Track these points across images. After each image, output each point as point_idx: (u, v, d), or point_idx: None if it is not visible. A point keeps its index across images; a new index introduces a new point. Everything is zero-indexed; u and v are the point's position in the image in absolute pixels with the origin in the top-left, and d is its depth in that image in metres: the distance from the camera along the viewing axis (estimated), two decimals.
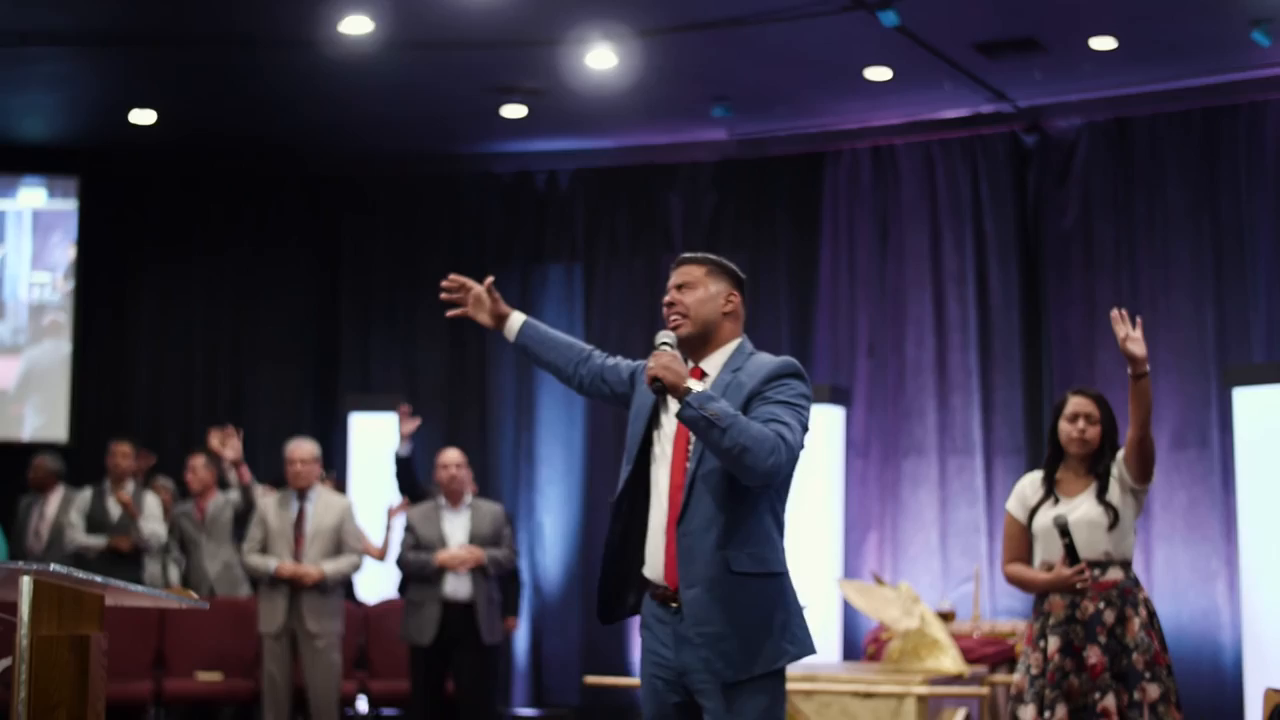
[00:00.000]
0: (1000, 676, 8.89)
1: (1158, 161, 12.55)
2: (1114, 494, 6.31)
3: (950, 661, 8.39)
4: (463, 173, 14.73)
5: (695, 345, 4.97)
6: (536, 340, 5.34)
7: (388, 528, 10.99)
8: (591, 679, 9.66)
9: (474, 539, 10.15)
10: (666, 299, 5.03)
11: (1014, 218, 13.00)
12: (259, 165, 14.72)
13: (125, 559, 11.16)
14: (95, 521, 11.27)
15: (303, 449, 10.37)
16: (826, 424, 12.72)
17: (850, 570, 12.78)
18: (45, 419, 14.44)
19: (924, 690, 7.98)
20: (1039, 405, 12.68)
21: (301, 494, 10.32)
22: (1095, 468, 6.39)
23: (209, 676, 10.56)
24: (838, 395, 12.92)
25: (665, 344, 4.80)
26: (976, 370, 12.91)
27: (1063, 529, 6.22)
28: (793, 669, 8.68)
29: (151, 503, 11.55)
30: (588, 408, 14.23)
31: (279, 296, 14.74)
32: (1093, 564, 6.24)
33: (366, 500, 12.62)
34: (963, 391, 12.93)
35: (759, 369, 4.88)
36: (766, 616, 4.77)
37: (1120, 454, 6.36)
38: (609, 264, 14.45)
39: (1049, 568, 6.34)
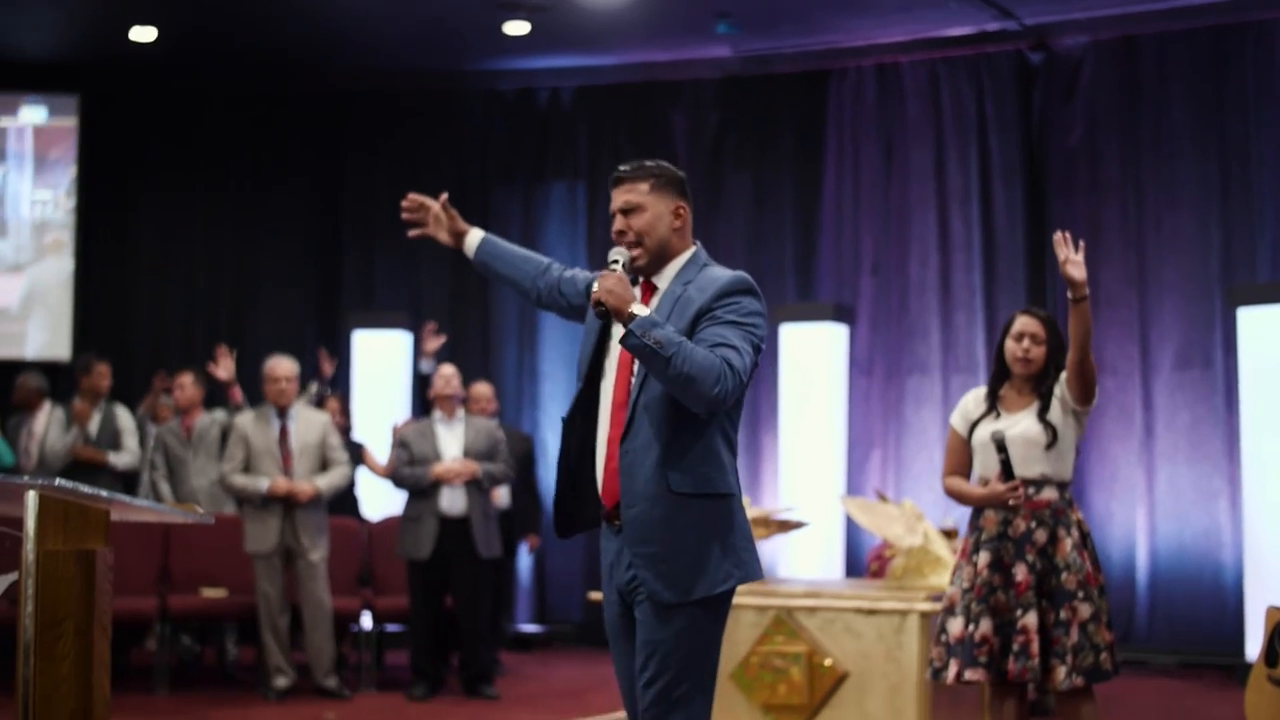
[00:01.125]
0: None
1: (1164, 80, 12.50)
2: (1055, 414, 6.32)
3: None
4: (465, 90, 14.67)
5: (650, 267, 4.75)
6: (495, 256, 5.22)
7: (393, 445, 11.00)
8: (596, 595, 9.68)
9: (468, 453, 10.17)
10: (616, 227, 4.76)
11: (1019, 137, 12.96)
12: (260, 83, 14.67)
13: (116, 477, 11.21)
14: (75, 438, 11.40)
15: (283, 366, 10.37)
16: (830, 342, 12.73)
17: (853, 488, 12.81)
18: (48, 337, 14.44)
19: (927, 607, 7.99)
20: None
21: (282, 412, 10.33)
22: (1039, 387, 6.40)
23: (213, 592, 10.59)
24: (841, 313, 12.92)
25: (616, 263, 4.63)
26: (980, 289, 12.90)
27: (999, 444, 6.22)
28: (795, 586, 8.73)
29: (124, 417, 11.62)
30: (592, 321, 14.21)
31: (281, 215, 14.73)
32: (1028, 482, 6.25)
33: (371, 418, 12.64)
34: (966, 310, 12.93)
35: (710, 284, 4.65)
36: (709, 539, 4.58)
37: (1064, 375, 6.37)
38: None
39: (985, 482, 6.37)
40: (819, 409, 12.65)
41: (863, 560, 12.23)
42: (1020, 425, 6.31)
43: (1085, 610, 6.19)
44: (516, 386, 14.31)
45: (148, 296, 14.96)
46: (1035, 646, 6.13)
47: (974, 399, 6.57)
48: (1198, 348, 12.16)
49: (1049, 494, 6.29)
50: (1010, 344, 6.44)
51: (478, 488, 10.13)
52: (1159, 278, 12.33)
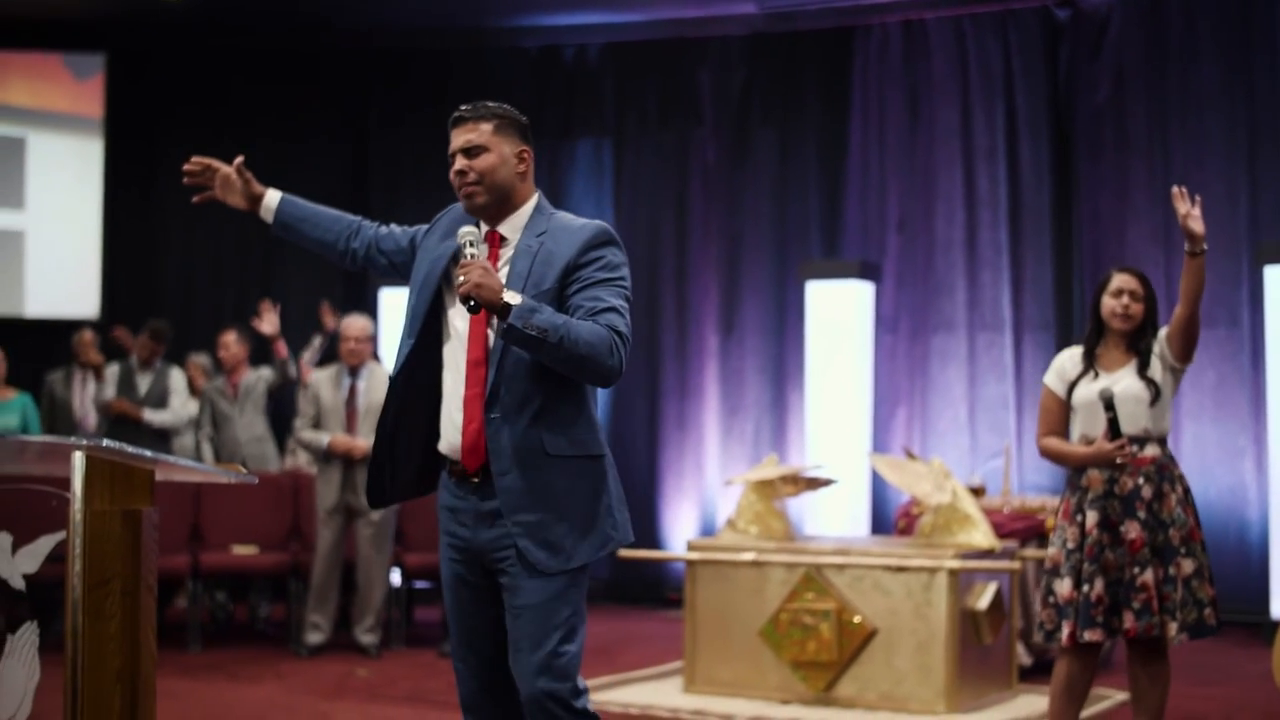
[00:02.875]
0: (1030, 551, 8.93)
1: (1192, 36, 12.46)
2: (1155, 370, 6.32)
3: (981, 536, 8.43)
4: (491, 46, 14.67)
5: (491, 211, 4.54)
6: (298, 217, 4.93)
7: None
8: (625, 553, 9.72)
9: None
10: (456, 168, 4.55)
11: (1045, 94, 12.93)
12: (287, 40, 14.69)
13: (156, 434, 11.27)
14: (123, 395, 11.46)
15: (356, 325, 10.44)
16: (856, 299, 12.74)
17: (879, 446, 12.84)
18: (77, 296, 14.49)
19: (956, 564, 8.03)
20: (1069, 282, 12.69)
21: (354, 371, 10.39)
22: (1136, 344, 6.39)
23: (245, 550, 10.67)
24: (867, 271, 12.93)
25: (471, 246, 4.40)
26: (1006, 247, 12.89)
27: (1108, 402, 6.22)
28: (824, 543, 8.77)
29: (177, 378, 11.69)
30: None
31: (308, 172, 14.72)
32: (1133, 439, 6.24)
33: None
34: (992, 268, 12.92)
35: (569, 236, 4.49)
36: (588, 502, 4.48)
37: (1162, 332, 6.36)
38: (638, 140, 14.42)
39: (1088, 441, 6.34)
40: (845, 367, 12.68)
41: (888, 517, 12.26)
42: (1123, 383, 6.30)
43: (1188, 566, 6.20)
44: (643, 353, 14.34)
45: (176, 255, 15.01)
46: (1156, 603, 6.14)
47: (1070, 359, 6.55)
48: (1224, 306, 12.14)
49: (1153, 450, 6.29)
50: (1109, 300, 6.42)
51: None
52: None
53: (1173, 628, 6.17)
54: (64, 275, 14.56)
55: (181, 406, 11.64)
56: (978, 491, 9.82)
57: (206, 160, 5.02)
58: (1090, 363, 6.45)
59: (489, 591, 4.53)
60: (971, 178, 13.09)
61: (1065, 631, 6.30)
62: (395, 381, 4.57)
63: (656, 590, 13.47)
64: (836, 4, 13.57)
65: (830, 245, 13.58)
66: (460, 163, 4.55)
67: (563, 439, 4.43)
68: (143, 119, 14.79)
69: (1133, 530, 6.20)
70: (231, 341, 11.58)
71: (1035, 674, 9.02)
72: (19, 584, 4.34)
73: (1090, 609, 6.20)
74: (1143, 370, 6.32)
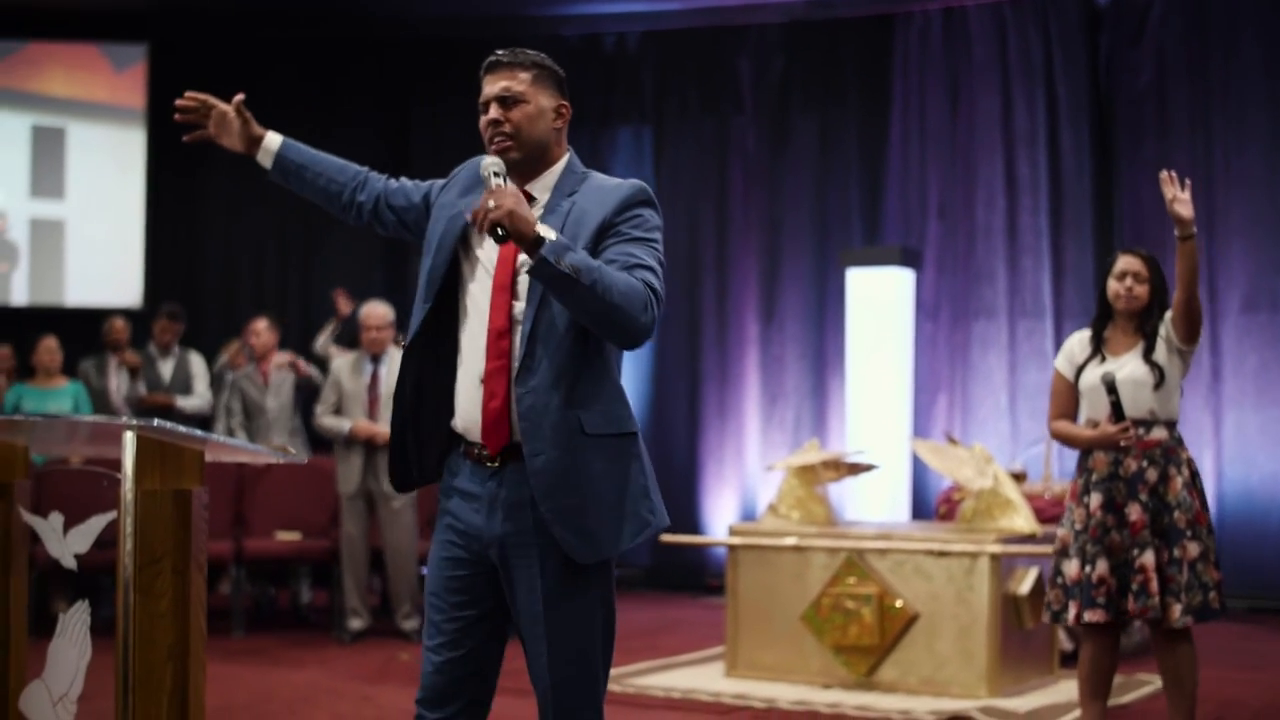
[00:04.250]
0: None
1: (1233, 21, 12.42)
2: (1160, 353, 6.32)
3: (1023, 521, 8.43)
4: (531, 35, 14.67)
5: (523, 169, 4.12)
6: (299, 164, 4.58)
7: None
8: (667, 538, 9.75)
9: None
10: (490, 117, 4.13)
11: (1086, 80, 12.91)
12: (328, 29, 14.73)
13: (187, 420, 11.34)
14: (149, 383, 11.61)
15: (377, 313, 10.47)
16: (897, 286, 12.73)
17: (920, 432, 12.84)
18: (120, 285, 14.57)
19: (998, 549, 8.04)
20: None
21: (375, 358, 10.44)
22: (1143, 327, 6.39)
23: (288, 536, 10.72)
24: (908, 257, 12.92)
25: (497, 175, 3.98)
26: (1047, 233, 12.88)
27: (1110, 386, 6.24)
28: (866, 528, 8.78)
29: (197, 363, 11.80)
30: None
31: (355, 159, 14.78)
32: (1138, 422, 6.26)
33: None
34: (1033, 254, 12.90)
35: (605, 194, 4.10)
36: (627, 483, 4.08)
37: (1168, 315, 6.37)
38: (678, 127, 14.44)
39: (1095, 425, 6.36)
40: (886, 353, 12.68)
41: (929, 503, 12.27)
42: (1128, 366, 6.31)
43: (1194, 549, 6.21)
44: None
45: (217, 245, 15.07)
46: (1155, 585, 6.14)
47: (1078, 342, 6.57)
48: (1265, 291, 12.11)
49: (1159, 433, 6.29)
50: (1113, 283, 6.43)
51: None
52: (1227, 220, 12.28)
53: (1176, 610, 6.17)
54: (104, 264, 14.63)
55: (205, 390, 11.78)
56: (1019, 477, 9.82)
57: (203, 96, 4.73)
58: (1097, 346, 6.47)
59: (485, 585, 4.14)
60: (1012, 164, 13.07)
61: (1071, 612, 6.34)
62: (411, 350, 4.18)
63: (698, 576, 13.50)
64: None
65: (871, 232, 13.59)
66: (494, 112, 4.12)
67: (598, 415, 4.02)
68: None
69: (1135, 512, 6.21)
70: (263, 329, 11.62)
71: (1076, 659, 9.00)
72: (70, 563, 4.37)
73: (1092, 590, 6.23)
74: (1148, 353, 6.32)
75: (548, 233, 3.80)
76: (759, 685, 8.44)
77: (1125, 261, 6.44)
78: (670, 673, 8.92)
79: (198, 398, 11.68)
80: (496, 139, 4.10)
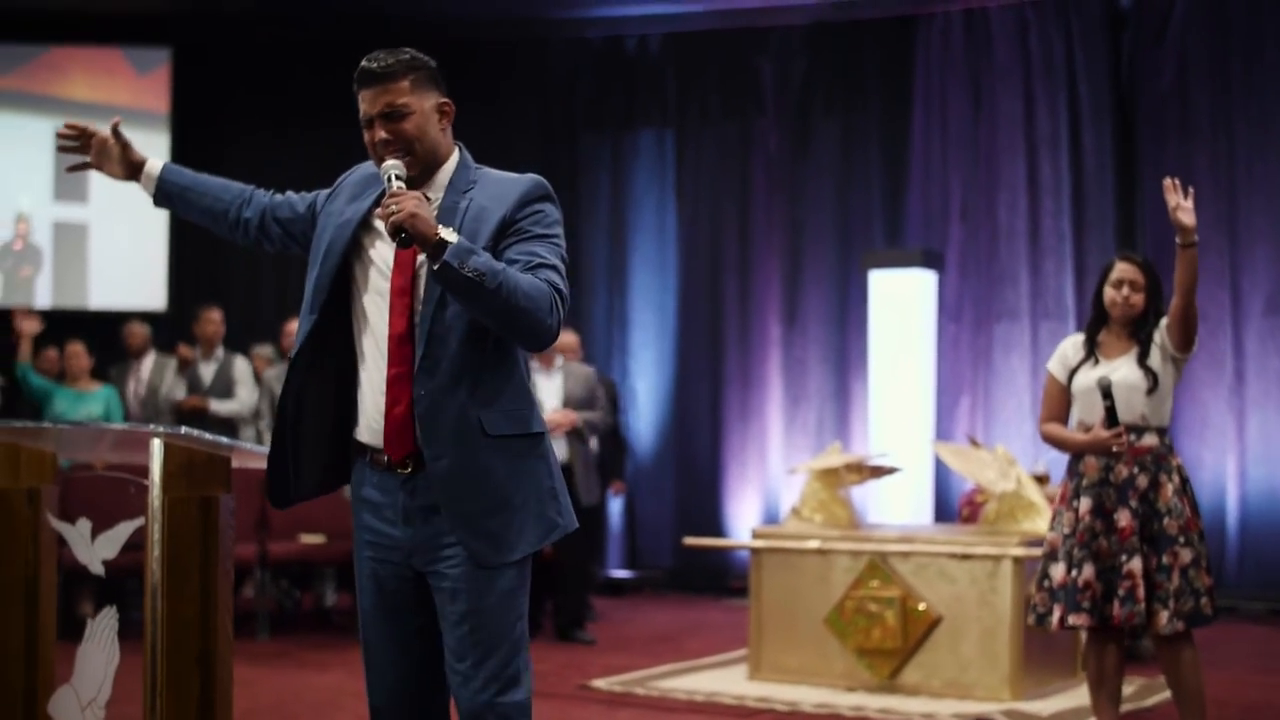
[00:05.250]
0: None
1: (1256, 22, 12.40)
2: (1155, 359, 6.32)
3: (1046, 524, 8.43)
4: (554, 37, 14.72)
5: (420, 177, 3.98)
6: (182, 186, 4.47)
7: None
8: (691, 540, 9.78)
9: (567, 402, 10.23)
10: (380, 136, 3.98)
11: (1108, 81, 12.89)
12: (351, 32, 14.75)
13: (223, 424, 11.38)
14: (189, 386, 11.63)
15: None
16: (919, 288, 12.73)
17: (942, 434, 12.83)
18: (144, 288, 14.62)
19: (1021, 552, 8.04)
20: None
21: None
22: (1137, 333, 6.40)
23: (312, 539, 10.75)
24: (930, 259, 12.92)
25: (398, 178, 3.86)
26: (1069, 235, 12.87)
27: (1105, 390, 6.23)
28: (889, 531, 8.78)
29: (242, 367, 11.80)
30: (681, 271, 14.27)
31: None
32: (1130, 427, 6.25)
33: None
34: (1055, 256, 12.90)
35: (504, 189, 3.99)
36: (532, 485, 3.98)
37: (1164, 321, 6.37)
38: (700, 130, 14.45)
39: (1086, 428, 6.36)
40: (908, 355, 12.68)
41: (952, 505, 12.26)
42: (1121, 371, 6.31)
43: (1186, 555, 6.20)
44: (606, 334, 14.39)
45: (240, 248, 15.08)
46: (1141, 591, 6.14)
47: (1072, 345, 6.58)
48: None
49: (1150, 440, 6.30)
50: (1109, 291, 6.43)
51: (578, 436, 10.20)
52: (1250, 223, 12.26)
53: (1163, 616, 6.16)
54: (128, 267, 14.69)
55: (249, 396, 11.76)
56: (1041, 479, 9.81)
57: (81, 124, 4.53)
58: (1091, 350, 6.47)
59: (415, 595, 4.02)
60: (1034, 166, 13.07)
61: (1055, 615, 6.34)
62: (295, 363, 4.01)
63: (720, 578, 13.51)
64: None
65: (893, 234, 13.59)
66: (382, 129, 3.98)
67: (501, 416, 3.92)
68: (208, 112, 14.89)
69: (1124, 518, 6.21)
70: (295, 331, 11.65)
71: None
72: (99, 570, 4.40)
73: (1077, 594, 6.23)
74: (1142, 359, 6.32)
75: (450, 236, 3.71)
76: (782, 688, 8.44)
77: (1122, 269, 6.44)
78: (693, 675, 8.93)
79: (236, 402, 11.66)
80: (389, 156, 3.95)
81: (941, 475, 12.59)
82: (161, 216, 14.58)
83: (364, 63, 4.05)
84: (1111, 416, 6.23)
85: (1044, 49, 13.12)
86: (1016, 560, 8.03)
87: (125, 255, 14.68)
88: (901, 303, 12.74)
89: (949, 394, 13.13)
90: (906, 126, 13.67)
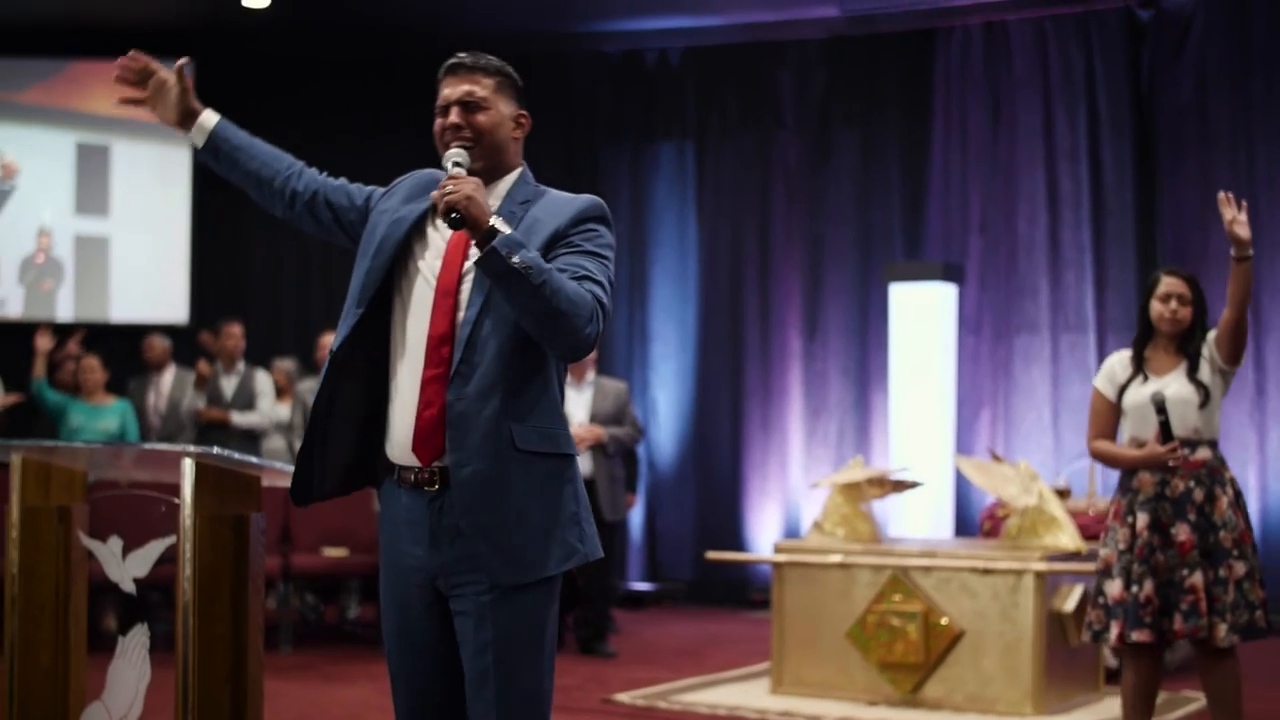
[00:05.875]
0: None
1: (1275, 35, 12.41)
2: (1204, 373, 6.33)
3: (1068, 538, 8.44)
4: (572, 52, 14.75)
5: (479, 176, 3.90)
6: (235, 145, 4.26)
7: None
8: (713, 555, 9.79)
9: (595, 417, 10.25)
10: (451, 120, 4.01)
11: (1128, 94, 12.89)
12: (370, 46, 14.80)
13: (245, 436, 11.42)
14: (210, 398, 11.66)
15: None
16: (939, 301, 12.74)
17: (963, 447, 12.84)
18: (165, 301, 14.66)
19: (1043, 567, 8.05)
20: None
21: None
22: (1185, 347, 6.40)
23: (335, 552, 10.78)
24: (950, 272, 12.92)
25: (459, 165, 3.87)
26: (1090, 247, 12.87)
27: (1159, 405, 6.24)
28: (911, 545, 8.80)
29: (263, 380, 11.84)
30: (701, 284, 14.28)
31: (392, 176, 14.85)
32: (1184, 442, 6.26)
33: None
34: (1075, 268, 12.89)
35: (560, 206, 3.93)
36: (556, 507, 3.84)
37: (1211, 334, 6.38)
38: (720, 143, 14.47)
39: (1138, 444, 6.37)
40: (928, 368, 12.68)
41: (972, 519, 12.28)
42: (1172, 386, 6.32)
43: (1240, 568, 6.21)
44: (627, 347, 14.41)
45: (263, 261, 15.15)
46: (1204, 605, 6.15)
47: (1119, 362, 6.58)
48: None
49: (1204, 453, 6.31)
50: (1157, 305, 6.44)
51: (603, 451, 10.22)
52: (1271, 236, 12.24)
53: (1222, 629, 6.17)
54: (150, 280, 14.74)
55: (270, 408, 11.80)
56: (1062, 493, 9.83)
57: (146, 59, 4.37)
58: (1139, 365, 6.48)
59: (439, 621, 3.89)
60: (1054, 179, 13.07)
61: (1114, 632, 6.34)
62: (336, 356, 3.91)
63: (741, 591, 13.52)
64: (917, 6, 13.57)
65: (913, 247, 13.60)
66: (455, 116, 4.00)
67: (533, 432, 3.80)
68: None
69: (1183, 532, 6.21)
70: (329, 344, 11.68)
71: (1121, 676, 9.01)
72: (130, 588, 4.43)
73: (1139, 610, 6.23)
74: (1192, 373, 6.33)
75: (502, 226, 3.67)
76: (804, 702, 8.45)
77: (1169, 283, 6.44)
78: (715, 689, 8.95)
79: (258, 415, 11.70)
80: (455, 144, 3.97)
81: (962, 489, 12.60)
82: (183, 230, 14.65)
83: (455, 57, 4.12)
84: (1166, 431, 6.23)
85: (1063, 62, 13.12)
86: (1038, 575, 8.04)
87: (146, 269, 14.73)
88: (922, 315, 12.74)
89: (969, 407, 13.13)
90: (926, 139, 13.68)
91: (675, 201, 14.46)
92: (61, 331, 12.56)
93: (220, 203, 14.84)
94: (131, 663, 4.41)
